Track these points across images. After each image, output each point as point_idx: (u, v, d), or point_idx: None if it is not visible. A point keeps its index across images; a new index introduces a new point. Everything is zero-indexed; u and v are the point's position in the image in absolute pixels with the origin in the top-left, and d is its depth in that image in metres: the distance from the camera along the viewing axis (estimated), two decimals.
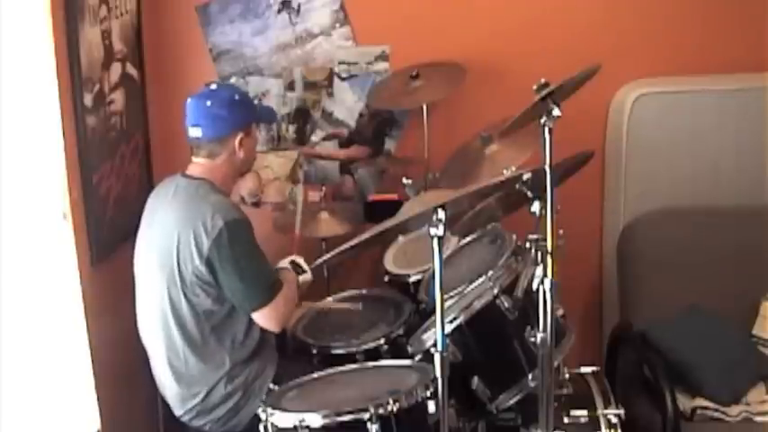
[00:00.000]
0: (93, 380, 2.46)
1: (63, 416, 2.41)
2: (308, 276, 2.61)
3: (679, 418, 2.62)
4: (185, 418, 2.50)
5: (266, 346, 2.55)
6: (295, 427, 2.07)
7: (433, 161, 3.10)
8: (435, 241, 1.92)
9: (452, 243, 2.75)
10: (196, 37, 3.25)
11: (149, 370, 2.57)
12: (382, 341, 2.57)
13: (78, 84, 2.47)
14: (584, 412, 2.40)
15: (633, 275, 3.12)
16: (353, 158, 3.34)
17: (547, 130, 2.12)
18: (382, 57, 3.26)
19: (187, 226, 2.37)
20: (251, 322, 2.46)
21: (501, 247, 2.50)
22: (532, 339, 2.23)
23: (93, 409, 2.47)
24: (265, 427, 2.15)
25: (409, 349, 2.43)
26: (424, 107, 3.10)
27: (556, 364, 2.29)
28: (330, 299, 2.94)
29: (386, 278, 2.89)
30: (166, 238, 2.40)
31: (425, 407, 2.06)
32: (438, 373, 1.96)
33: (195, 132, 2.46)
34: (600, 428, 2.38)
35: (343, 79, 3.29)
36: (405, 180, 2.97)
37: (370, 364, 2.43)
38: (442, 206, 1.91)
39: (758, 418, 2.67)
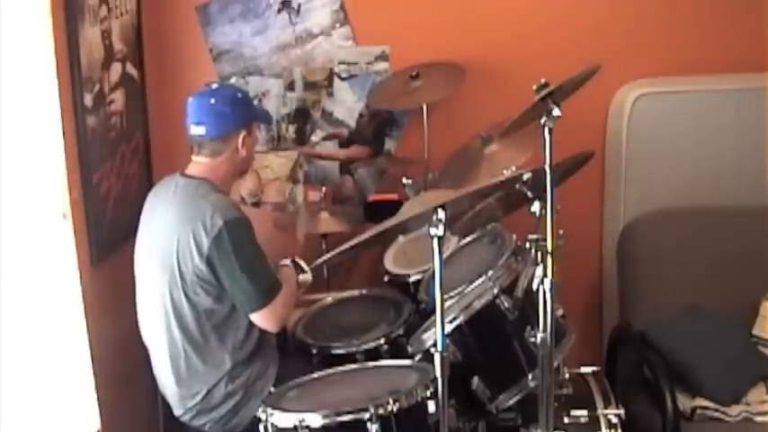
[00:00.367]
0: (93, 380, 2.46)
1: (63, 416, 2.41)
2: (308, 277, 2.61)
3: (679, 418, 2.62)
4: (185, 418, 2.50)
5: (267, 345, 2.55)
6: (295, 427, 2.07)
7: (433, 161, 3.10)
8: (435, 241, 1.92)
9: (452, 243, 2.75)
10: (196, 37, 3.25)
11: (149, 370, 2.57)
12: (382, 341, 2.57)
13: (78, 84, 2.47)
14: (584, 412, 2.40)
15: (633, 275, 3.12)
16: (353, 158, 3.34)
17: (547, 130, 2.12)
18: (382, 57, 3.26)
19: (187, 225, 2.37)
20: (251, 321, 2.46)
21: (501, 247, 2.50)
22: (532, 339, 2.23)
23: (93, 409, 2.47)
24: (265, 428, 2.15)
25: (409, 349, 2.43)
26: (424, 107, 3.10)
27: (556, 364, 2.29)
28: (330, 299, 2.94)
29: (386, 278, 2.88)
30: (166, 237, 2.40)
31: (425, 407, 2.06)
32: (438, 373, 1.96)
33: (198, 130, 2.46)
34: (600, 428, 2.38)
35: (343, 79, 3.29)
36: (405, 180, 2.97)
37: (370, 364, 2.43)
38: (442, 206, 1.91)
39: (758, 418, 2.67)
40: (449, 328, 2.24)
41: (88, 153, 2.53)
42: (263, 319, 2.43)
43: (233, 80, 3.26)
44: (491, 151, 2.86)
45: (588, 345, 3.30)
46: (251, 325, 2.46)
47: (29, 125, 2.29)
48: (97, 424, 2.48)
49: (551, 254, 2.15)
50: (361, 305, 2.86)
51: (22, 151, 2.29)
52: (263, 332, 2.50)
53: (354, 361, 2.50)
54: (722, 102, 3.16)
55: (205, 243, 2.34)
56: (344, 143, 3.35)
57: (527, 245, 2.21)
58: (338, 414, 2.06)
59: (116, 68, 2.80)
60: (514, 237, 2.47)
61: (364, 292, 2.95)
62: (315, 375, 2.38)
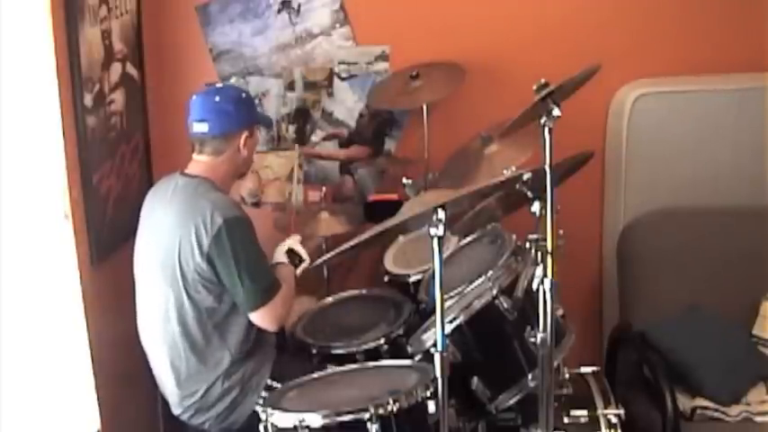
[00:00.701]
0: (93, 380, 2.46)
1: (63, 416, 2.41)
2: (305, 264, 2.61)
3: (679, 418, 2.62)
4: (184, 417, 2.50)
5: (264, 343, 2.55)
6: (295, 427, 2.07)
7: (433, 161, 3.10)
8: (435, 241, 1.92)
9: (452, 243, 2.75)
10: (196, 37, 3.25)
11: (149, 370, 2.57)
12: (382, 341, 2.57)
13: (78, 84, 2.47)
14: (584, 412, 2.40)
15: (633, 275, 3.12)
16: (353, 158, 3.34)
17: (547, 130, 2.12)
18: (382, 57, 3.26)
19: (187, 223, 2.37)
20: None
21: (501, 247, 2.50)
22: (532, 339, 2.23)
23: (93, 409, 2.47)
24: (265, 427, 2.15)
25: (409, 349, 2.43)
26: (424, 107, 3.10)
27: (556, 364, 2.29)
28: (330, 299, 2.94)
29: (386, 278, 2.88)
30: (167, 236, 2.41)
31: (425, 407, 2.06)
32: (438, 373, 1.96)
33: (201, 128, 2.47)
34: (600, 428, 2.38)
35: (343, 79, 3.29)
36: (405, 180, 2.97)
37: (370, 364, 2.43)
38: (442, 206, 1.91)
39: (758, 418, 2.67)
40: (449, 328, 2.24)
41: (88, 153, 2.53)
42: (261, 318, 2.43)
43: (233, 80, 3.26)
44: (491, 151, 2.85)
45: (588, 345, 3.30)
46: (251, 323, 2.46)
47: (29, 125, 2.30)
48: (97, 424, 2.48)
49: (551, 254, 2.15)
50: (361, 305, 2.86)
51: (23, 151, 2.29)
52: (262, 330, 2.50)
53: (354, 361, 2.50)
54: (722, 102, 3.16)
55: (205, 241, 2.35)
56: (344, 143, 3.35)
57: (527, 245, 2.21)
58: (338, 414, 2.06)
59: (116, 68, 2.80)
60: (514, 237, 2.47)
61: (364, 292, 2.95)
62: (315, 375, 2.38)
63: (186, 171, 2.51)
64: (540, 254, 2.17)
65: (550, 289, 2.15)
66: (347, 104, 3.31)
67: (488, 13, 3.19)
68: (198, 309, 2.41)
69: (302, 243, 2.68)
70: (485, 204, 2.38)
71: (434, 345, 1.99)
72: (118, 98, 2.81)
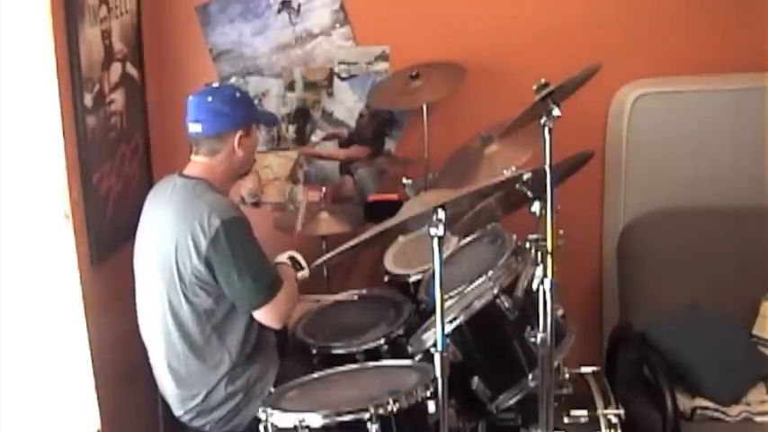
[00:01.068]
0: (93, 380, 2.46)
1: (63, 416, 2.41)
2: (305, 273, 2.61)
3: (679, 418, 2.62)
4: (185, 419, 2.50)
5: (266, 346, 2.55)
6: (295, 427, 2.07)
7: (433, 161, 3.10)
8: (435, 241, 1.92)
9: (452, 243, 2.75)
10: (196, 37, 3.25)
11: (149, 370, 2.57)
12: (382, 341, 2.57)
13: (78, 84, 2.47)
14: (584, 412, 2.40)
15: (633, 275, 3.12)
16: (353, 158, 3.34)
17: (547, 130, 2.12)
18: (382, 57, 3.26)
19: (184, 226, 2.37)
20: (251, 321, 2.45)
21: (501, 247, 2.50)
22: (532, 339, 2.23)
23: (93, 409, 2.47)
24: (265, 428, 2.15)
25: (409, 349, 2.43)
26: (424, 107, 3.10)
27: (556, 364, 2.29)
28: (330, 299, 2.93)
29: (386, 278, 2.88)
30: (164, 238, 2.40)
31: (425, 407, 2.06)
32: (438, 373, 1.96)
33: (195, 128, 2.47)
34: (600, 428, 2.38)
35: (343, 79, 3.29)
36: (405, 180, 2.97)
37: (371, 364, 2.43)
38: (442, 206, 1.91)
39: (758, 418, 2.67)
40: (449, 328, 2.24)
41: (88, 153, 2.53)
42: (266, 315, 2.43)
43: (233, 80, 3.26)
44: (491, 151, 2.85)
45: (588, 345, 3.30)
46: (250, 325, 2.46)
47: (29, 125, 2.29)
48: (97, 424, 2.48)
49: (551, 254, 2.15)
50: (361, 305, 2.86)
51: (23, 151, 2.29)
52: (262, 332, 2.50)
53: (354, 361, 2.50)
54: (722, 102, 3.16)
55: (203, 244, 2.34)
56: (344, 143, 3.34)
57: (527, 245, 2.21)
58: (338, 414, 2.06)
59: (116, 68, 2.80)
60: (514, 237, 2.47)
61: (364, 292, 2.95)
62: (315, 375, 2.38)
63: (184, 172, 2.50)
64: (540, 254, 2.17)
65: (550, 289, 2.15)
66: (347, 104, 3.31)
67: (488, 13, 3.19)
68: (196, 311, 2.40)
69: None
70: (485, 204, 2.38)
71: (434, 345, 1.99)
72: (118, 98, 2.81)
